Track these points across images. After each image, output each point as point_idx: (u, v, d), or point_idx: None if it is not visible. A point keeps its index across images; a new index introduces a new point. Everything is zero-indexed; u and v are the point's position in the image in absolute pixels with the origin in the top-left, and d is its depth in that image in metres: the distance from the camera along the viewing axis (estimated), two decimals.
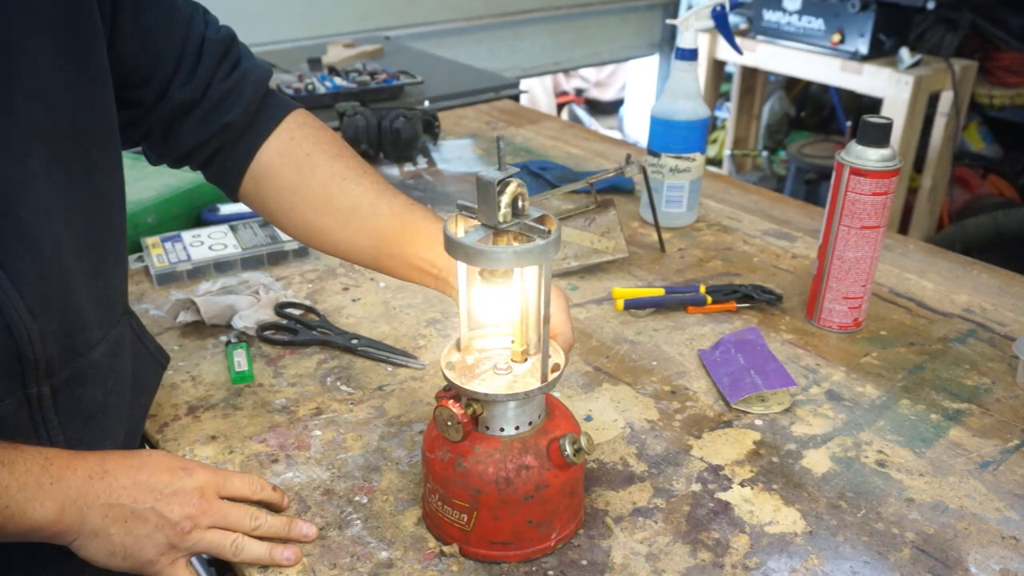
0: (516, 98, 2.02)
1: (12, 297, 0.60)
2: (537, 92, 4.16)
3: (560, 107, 4.46)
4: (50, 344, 0.64)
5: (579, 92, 4.61)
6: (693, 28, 1.22)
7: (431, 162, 1.56)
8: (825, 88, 3.29)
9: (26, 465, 0.59)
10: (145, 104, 0.75)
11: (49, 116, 0.62)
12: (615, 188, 1.42)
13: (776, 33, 2.75)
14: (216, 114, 0.77)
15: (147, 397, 0.82)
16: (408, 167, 1.53)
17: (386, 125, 1.51)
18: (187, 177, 1.24)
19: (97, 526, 0.62)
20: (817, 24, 2.63)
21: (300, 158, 0.81)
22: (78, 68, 0.64)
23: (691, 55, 1.23)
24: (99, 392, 0.70)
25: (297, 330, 0.99)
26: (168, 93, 0.75)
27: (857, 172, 0.95)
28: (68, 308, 0.65)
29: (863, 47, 2.53)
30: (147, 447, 0.85)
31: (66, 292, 0.65)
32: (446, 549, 0.70)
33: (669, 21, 1.40)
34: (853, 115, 3.16)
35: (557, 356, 0.70)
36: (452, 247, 0.63)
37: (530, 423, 0.68)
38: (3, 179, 0.59)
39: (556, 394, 0.89)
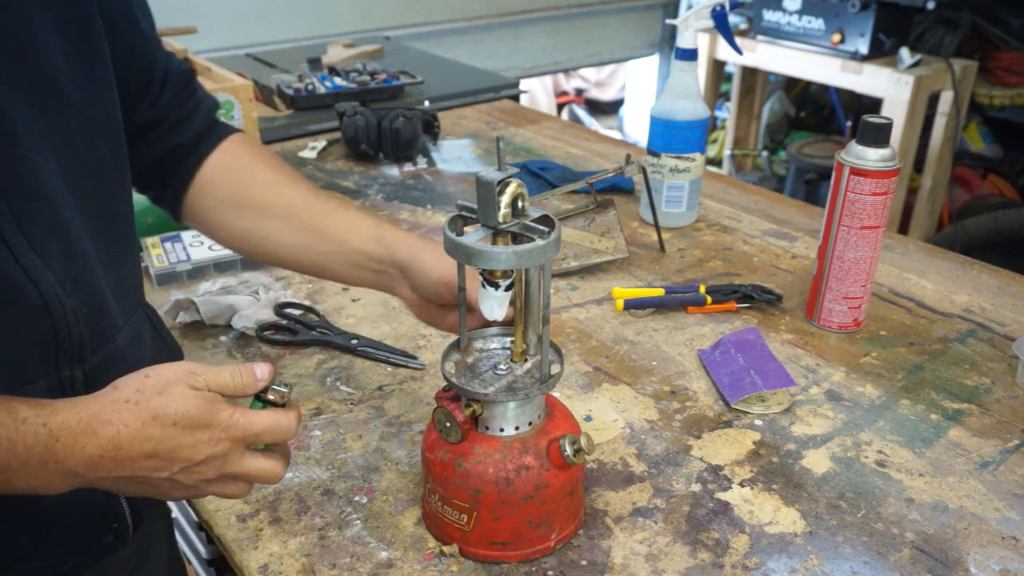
0: (516, 98, 2.02)
1: (45, 274, 0.61)
2: (537, 92, 4.16)
3: (560, 107, 4.46)
4: (82, 324, 0.65)
5: (579, 92, 4.61)
6: (693, 28, 1.22)
7: (431, 162, 1.56)
8: (825, 88, 3.29)
9: (27, 443, 0.56)
10: None
11: (62, 105, 0.64)
12: (615, 188, 1.42)
13: (776, 33, 2.75)
14: (171, 136, 0.81)
15: None
16: (408, 167, 1.53)
17: (386, 125, 1.51)
18: None
19: (111, 487, 0.61)
20: (817, 24, 2.63)
21: (239, 169, 0.84)
22: (88, 66, 0.66)
23: (691, 55, 1.23)
24: None
25: (297, 330, 0.99)
26: (132, 117, 0.77)
27: (857, 172, 0.95)
28: (92, 290, 0.66)
29: (863, 47, 2.53)
30: None
31: (88, 274, 0.66)
32: (446, 549, 0.70)
33: (669, 21, 1.40)
34: (853, 115, 3.16)
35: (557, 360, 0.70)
36: (452, 247, 0.63)
37: (530, 423, 0.68)
38: (28, 163, 0.60)
39: (556, 394, 0.89)
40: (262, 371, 0.62)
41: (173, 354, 0.82)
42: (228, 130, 0.87)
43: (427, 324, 0.82)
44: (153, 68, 0.79)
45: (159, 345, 0.79)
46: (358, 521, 0.74)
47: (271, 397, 0.62)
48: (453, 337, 0.73)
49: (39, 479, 0.57)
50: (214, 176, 0.84)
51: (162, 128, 0.81)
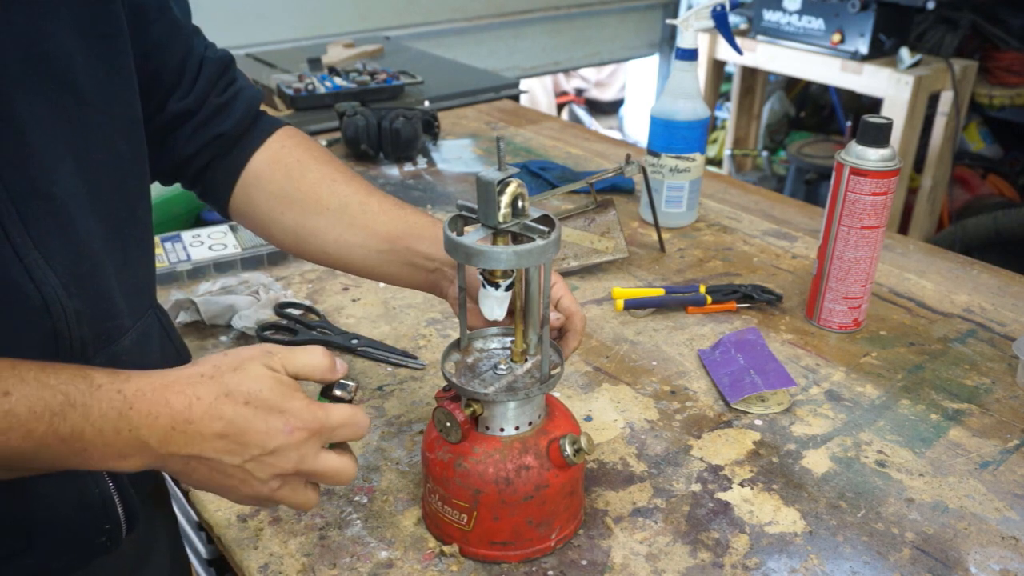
0: (516, 98, 2.02)
1: (48, 275, 0.61)
2: (537, 92, 4.16)
3: (560, 107, 4.46)
4: (85, 326, 0.64)
5: (579, 92, 4.61)
6: (693, 28, 1.22)
7: (431, 162, 1.56)
8: (825, 88, 3.29)
9: (102, 409, 0.55)
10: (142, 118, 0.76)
11: (78, 104, 0.63)
12: (615, 188, 1.42)
13: (776, 33, 2.75)
14: (210, 125, 0.79)
15: None
16: (408, 167, 1.54)
17: (386, 125, 1.51)
18: None
19: (178, 469, 0.59)
20: (817, 24, 2.63)
21: (290, 164, 0.82)
22: (106, 63, 0.66)
23: (691, 55, 1.23)
24: None
25: (297, 330, 0.99)
26: (165, 107, 0.77)
27: (857, 172, 0.95)
28: (99, 292, 0.66)
29: (863, 47, 2.53)
30: None
31: (96, 275, 0.65)
32: (446, 549, 0.70)
33: (669, 21, 1.40)
34: (853, 115, 3.16)
35: (558, 355, 0.70)
36: (452, 247, 0.63)
37: (530, 423, 0.68)
38: (38, 163, 0.60)
39: (556, 394, 0.89)
40: (342, 364, 0.61)
41: (181, 356, 0.81)
42: (277, 123, 0.84)
43: (470, 326, 0.76)
44: (188, 56, 0.77)
45: (167, 347, 0.78)
46: (358, 521, 0.74)
47: (337, 393, 0.61)
48: (454, 336, 0.73)
49: (113, 449, 0.55)
50: (263, 172, 0.82)
51: (199, 117, 0.78)
